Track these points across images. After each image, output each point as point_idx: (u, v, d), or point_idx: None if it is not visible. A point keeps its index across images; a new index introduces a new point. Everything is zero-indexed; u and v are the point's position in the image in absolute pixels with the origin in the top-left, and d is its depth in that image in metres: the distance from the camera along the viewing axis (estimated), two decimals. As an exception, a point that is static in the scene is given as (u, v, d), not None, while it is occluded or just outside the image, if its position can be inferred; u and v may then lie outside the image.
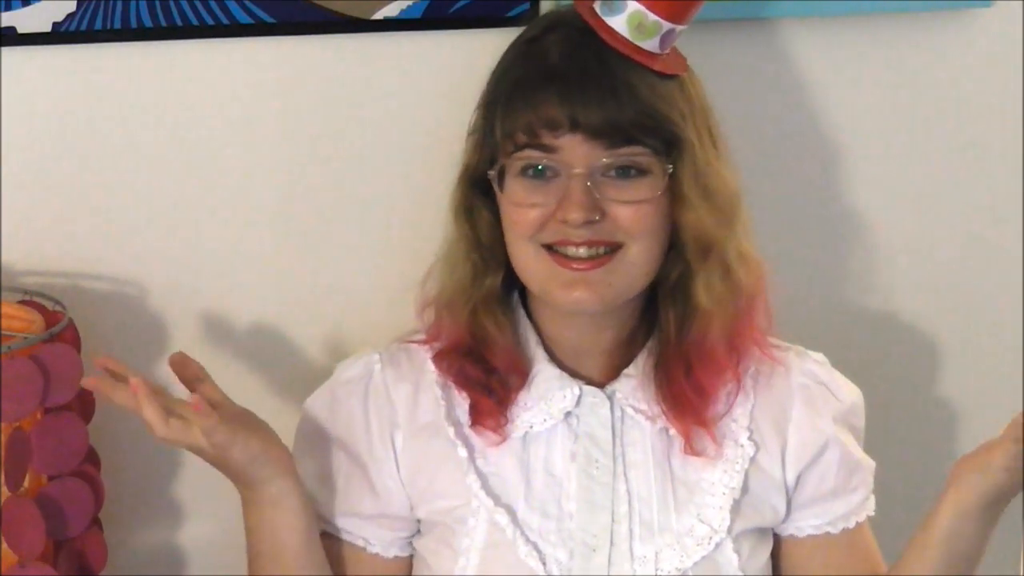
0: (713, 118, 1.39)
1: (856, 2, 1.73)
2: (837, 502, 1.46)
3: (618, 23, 1.34)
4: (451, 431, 1.41)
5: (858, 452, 1.47)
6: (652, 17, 1.34)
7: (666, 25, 1.35)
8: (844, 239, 1.84)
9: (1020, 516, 1.99)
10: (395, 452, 1.43)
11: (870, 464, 1.48)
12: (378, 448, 1.43)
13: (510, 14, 1.64)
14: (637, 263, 1.36)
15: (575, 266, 1.34)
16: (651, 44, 1.35)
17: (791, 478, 1.44)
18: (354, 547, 1.45)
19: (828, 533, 1.46)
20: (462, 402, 1.42)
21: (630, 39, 1.34)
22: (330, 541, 1.45)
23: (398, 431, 1.43)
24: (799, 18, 1.73)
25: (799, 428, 1.44)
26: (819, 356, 1.48)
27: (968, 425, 1.95)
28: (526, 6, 1.64)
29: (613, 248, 1.34)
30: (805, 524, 1.46)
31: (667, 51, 1.36)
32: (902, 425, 1.90)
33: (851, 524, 1.47)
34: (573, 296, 1.35)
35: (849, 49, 1.77)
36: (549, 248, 1.35)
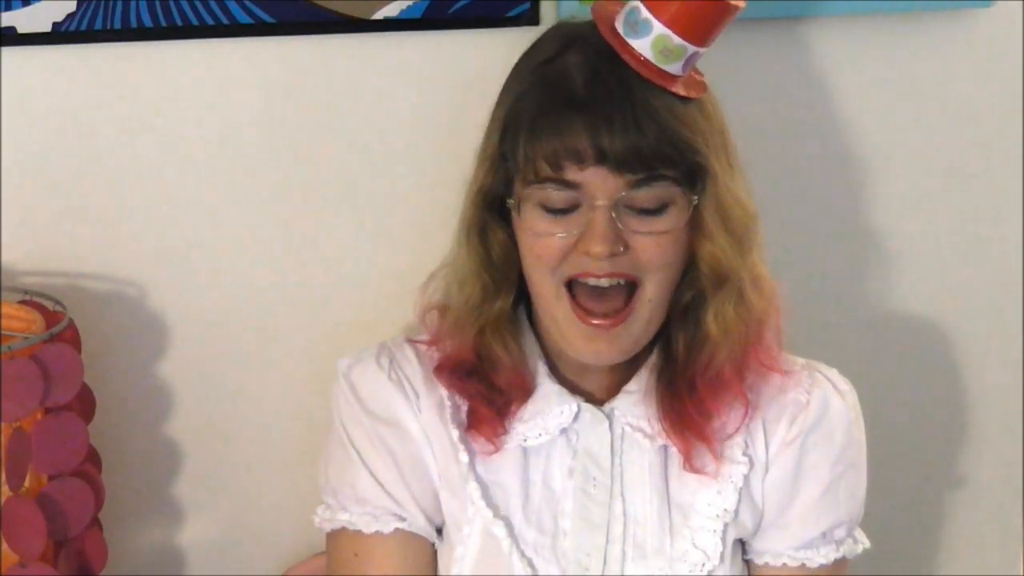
0: (729, 134, 1.36)
1: (855, 2, 1.73)
2: (794, 534, 1.41)
3: (643, 46, 1.30)
4: (456, 434, 1.39)
5: (839, 492, 1.41)
6: (677, 40, 1.30)
7: (691, 48, 1.31)
8: (840, 237, 1.83)
9: (1020, 516, 1.99)
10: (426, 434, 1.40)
11: (851, 511, 1.43)
12: (416, 428, 1.41)
13: (510, 14, 1.63)
14: (654, 300, 1.33)
15: (595, 322, 1.32)
16: (674, 68, 1.31)
17: (765, 494, 1.41)
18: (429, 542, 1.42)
19: (785, 565, 1.41)
20: (464, 406, 1.40)
21: (655, 63, 1.30)
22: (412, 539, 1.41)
23: (420, 415, 1.41)
24: (797, 18, 1.73)
25: (778, 446, 1.40)
26: (840, 383, 1.44)
27: (969, 427, 1.95)
28: (526, 6, 1.63)
29: (631, 281, 1.31)
30: (764, 548, 1.42)
31: (687, 73, 1.33)
32: (904, 427, 1.90)
33: (813, 564, 1.41)
34: (593, 349, 1.33)
35: (848, 49, 1.76)
36: (569, 286, 1.32)
